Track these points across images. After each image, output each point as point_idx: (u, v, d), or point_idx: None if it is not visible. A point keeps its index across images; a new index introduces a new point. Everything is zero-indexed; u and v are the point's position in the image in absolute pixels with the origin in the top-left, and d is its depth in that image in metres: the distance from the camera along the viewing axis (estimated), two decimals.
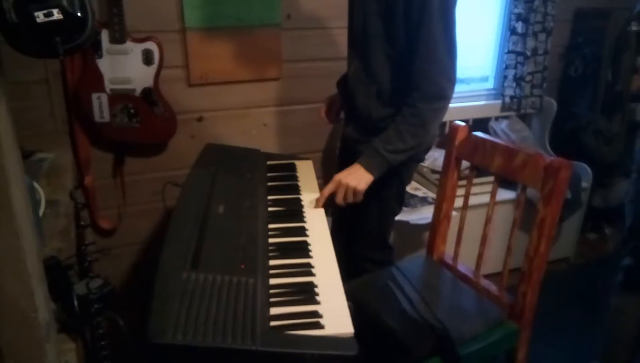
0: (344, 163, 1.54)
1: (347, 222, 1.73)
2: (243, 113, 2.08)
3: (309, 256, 1.25)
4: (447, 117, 1.55)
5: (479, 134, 1.61)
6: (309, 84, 2.10)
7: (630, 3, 2.55)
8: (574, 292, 2.48)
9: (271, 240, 1.29)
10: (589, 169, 2.53)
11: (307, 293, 1.11)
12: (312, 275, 1.18)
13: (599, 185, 2.68)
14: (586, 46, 2.59)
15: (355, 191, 1.45)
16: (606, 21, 2.53)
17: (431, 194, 2.20)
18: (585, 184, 2.52)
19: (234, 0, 1.89)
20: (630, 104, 2.65)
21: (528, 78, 2.49)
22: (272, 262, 1.20)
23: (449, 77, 1.41)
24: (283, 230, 1.34)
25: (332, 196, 1.48)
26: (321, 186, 1.57)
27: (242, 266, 1.12)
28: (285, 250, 1.25)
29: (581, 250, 2.73)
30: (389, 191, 1.60)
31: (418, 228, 2.07)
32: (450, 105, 1.46)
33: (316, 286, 1.13)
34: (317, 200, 1.48)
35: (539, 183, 1.38)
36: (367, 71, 1.52)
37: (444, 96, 1.43)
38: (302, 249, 1.27)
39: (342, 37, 1.77)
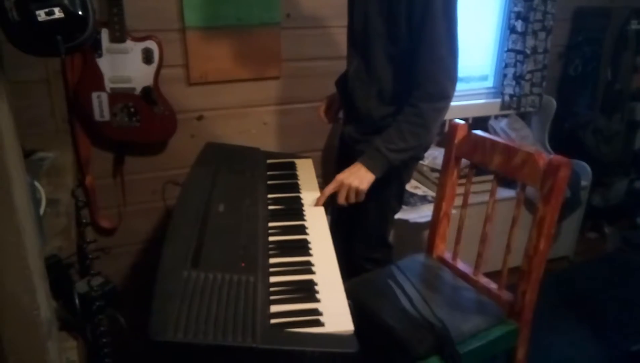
0: (342, 162, 1.54)
1: (346, 221, 1.73)
2: (243, 112, 2.08)
3: (309, 254, 1.25)
4: (446, 116, 1.55)
5: (479, 132, 1.61)
6: (309, 83, 2.10)
7: (630, 2, 2.56)
8: (574, 291, 2.48)
9: (271, 238, 1.29)
10: (588, 168, 2.53)
11: (307, 291, 1.11)
12: (312, 272, 1.18)
13: (598, 184, 2.68)
14: (586, 45, 2.59)
15: (357, 191, 1.45)
16: (606, 20, 2.53)
17: (431, 193, 2.20)
18: (584, 183, 2.52)
19: None
20: (630, 103, 2.66)
21: (528, 77, 2.49)
22: (272, 260, 1.20)
23: (450, 76, 1.41)
24: (283, 228, 1.34)
25: (333, 195, 1.48)
26: (321, 185, 1.57)
27: (243, 265, 1.13)
28: (285, 248, 1.26)
29: (581, 248, 2.73)
30: (388, 189, 1.60)
31: (418, 226, 2.07)
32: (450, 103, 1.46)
33: (316, 284, 1.14)
34: (318, 199, 1.48)
35: (538, 181, 1.38)
36: (368, 70, 1.52)
37: (445, 95, 1.43)
38: (302, 247, 1.27)
39: (341, 36, 1.77)
